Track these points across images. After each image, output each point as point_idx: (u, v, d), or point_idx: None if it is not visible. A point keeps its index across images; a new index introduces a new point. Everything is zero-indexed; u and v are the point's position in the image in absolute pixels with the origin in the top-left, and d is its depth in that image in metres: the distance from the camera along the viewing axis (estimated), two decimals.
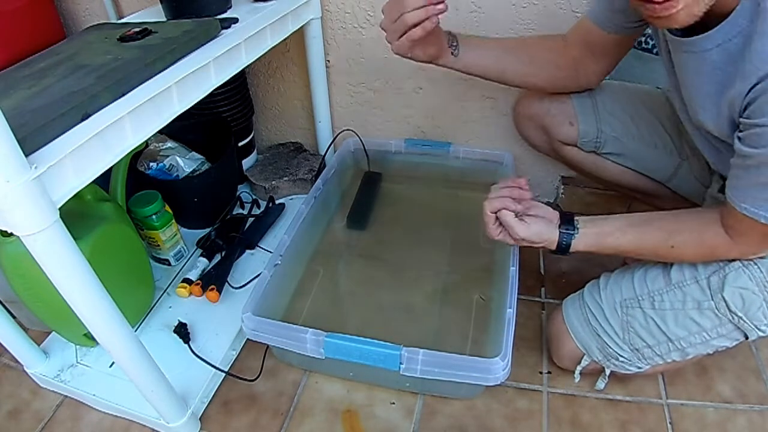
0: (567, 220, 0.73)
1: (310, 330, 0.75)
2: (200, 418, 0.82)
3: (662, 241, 0.69)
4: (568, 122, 0.90)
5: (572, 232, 0.72)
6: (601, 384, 0.84)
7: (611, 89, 0.90)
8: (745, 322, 0.68)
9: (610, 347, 0.77)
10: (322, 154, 1.27)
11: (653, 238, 0.70)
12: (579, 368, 0.82)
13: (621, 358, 0.77)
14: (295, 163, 1.26)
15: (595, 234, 0.72)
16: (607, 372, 0.81)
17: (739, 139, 0.58)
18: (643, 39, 0.97)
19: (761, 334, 0.69)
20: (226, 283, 1.00)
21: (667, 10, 0.53)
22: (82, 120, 0.52)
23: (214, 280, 0.99)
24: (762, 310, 0.67)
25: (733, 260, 0.68)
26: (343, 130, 1.25)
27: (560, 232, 0.72)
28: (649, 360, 0.76)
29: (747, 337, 0.70)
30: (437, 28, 0.74)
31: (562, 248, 0.72)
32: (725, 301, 0.67)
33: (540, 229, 0.72)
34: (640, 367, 0.78)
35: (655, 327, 0.73)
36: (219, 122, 1.14)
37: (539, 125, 0.94)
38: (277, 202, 1.21)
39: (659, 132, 0.88)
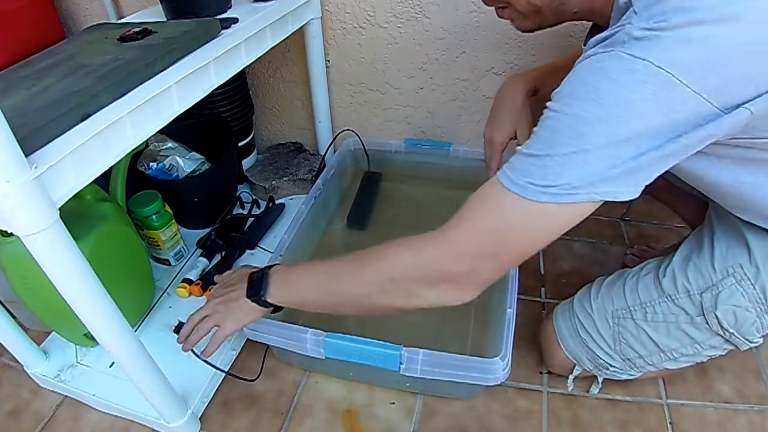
0: (257, 278, 0.70)
1: (310, 330, 0.75)
2: (200, 418, 0.82)
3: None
4: None
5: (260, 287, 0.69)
6: (595, 390, 0.84)
7: None
8: (737, 337, 0.68)
9: (600, 358, 0.77)
10: (322, 154, 1.27)
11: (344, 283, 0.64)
12: (571, 377, 0.82)
13: (612, 368, 0.77)
14: (295, 163, 1.26)
15: (282, 280, 0.69)
16: (600, 379, 0.81)
17: None
18: None
19: (752, 345, 0.69)
20: None
21: (503, 17, 0.59)
22: (82, 120, 0.52)
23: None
24: (756, 326, 0.67)
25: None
26: (343, 130, 1.25)
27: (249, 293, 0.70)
28: (641, 368, 0.76)
29: (738, 348, 0.70)
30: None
31: (265, 304, 0.70)
32: (718, 319, 0.67)
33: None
34: (632, 375, 0.78)
35: (647, 338, 0.72)
36: (219, 122, 1.14)
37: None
38: (277, 202, 1.21)
39: None
